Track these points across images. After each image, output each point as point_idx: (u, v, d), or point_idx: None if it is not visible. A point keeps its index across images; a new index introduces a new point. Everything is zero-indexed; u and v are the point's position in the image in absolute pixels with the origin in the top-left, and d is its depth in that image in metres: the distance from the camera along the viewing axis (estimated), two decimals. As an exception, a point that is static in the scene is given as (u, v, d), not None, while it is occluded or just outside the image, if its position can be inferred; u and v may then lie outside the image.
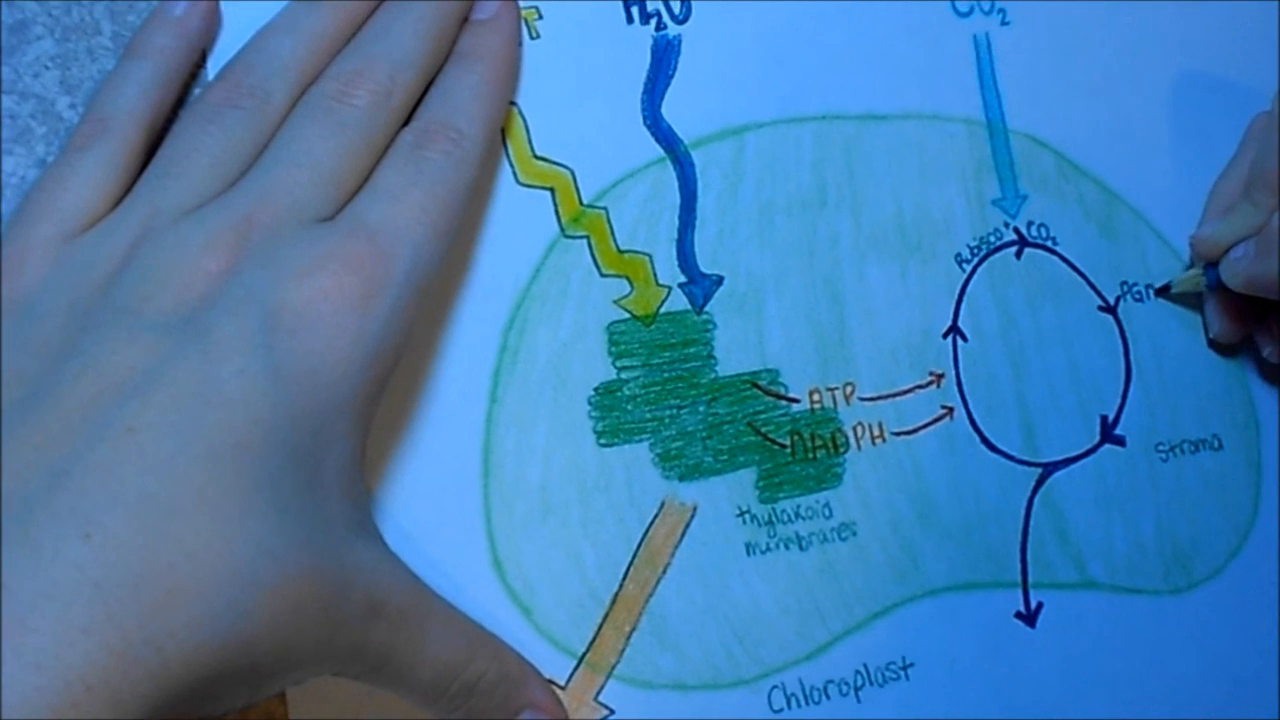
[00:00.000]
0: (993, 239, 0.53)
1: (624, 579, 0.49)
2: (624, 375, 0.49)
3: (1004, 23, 0.54)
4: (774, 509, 0.50)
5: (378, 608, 0.41)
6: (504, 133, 0.48)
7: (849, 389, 0.51)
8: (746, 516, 0.50)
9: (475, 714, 0.45)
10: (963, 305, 0.53)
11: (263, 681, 0.40)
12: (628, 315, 0.49)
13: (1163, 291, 0.55)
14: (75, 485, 0.36)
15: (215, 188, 0.42)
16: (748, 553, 0.50)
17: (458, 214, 0.44)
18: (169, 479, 0.37)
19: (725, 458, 0.50)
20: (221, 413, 0.38)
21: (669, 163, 0.50)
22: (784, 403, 0.51)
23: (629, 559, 0.49)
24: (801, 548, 0.50)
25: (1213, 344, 0.55)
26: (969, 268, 0.53)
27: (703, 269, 0.50)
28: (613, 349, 0.49)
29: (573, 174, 0.49)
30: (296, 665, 0.40)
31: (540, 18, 0.49)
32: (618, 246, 0.49)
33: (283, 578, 0.38)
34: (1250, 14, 0.57)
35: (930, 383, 0.52)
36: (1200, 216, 0.55)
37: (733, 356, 0.50)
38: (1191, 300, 0.55)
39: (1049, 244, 0.54)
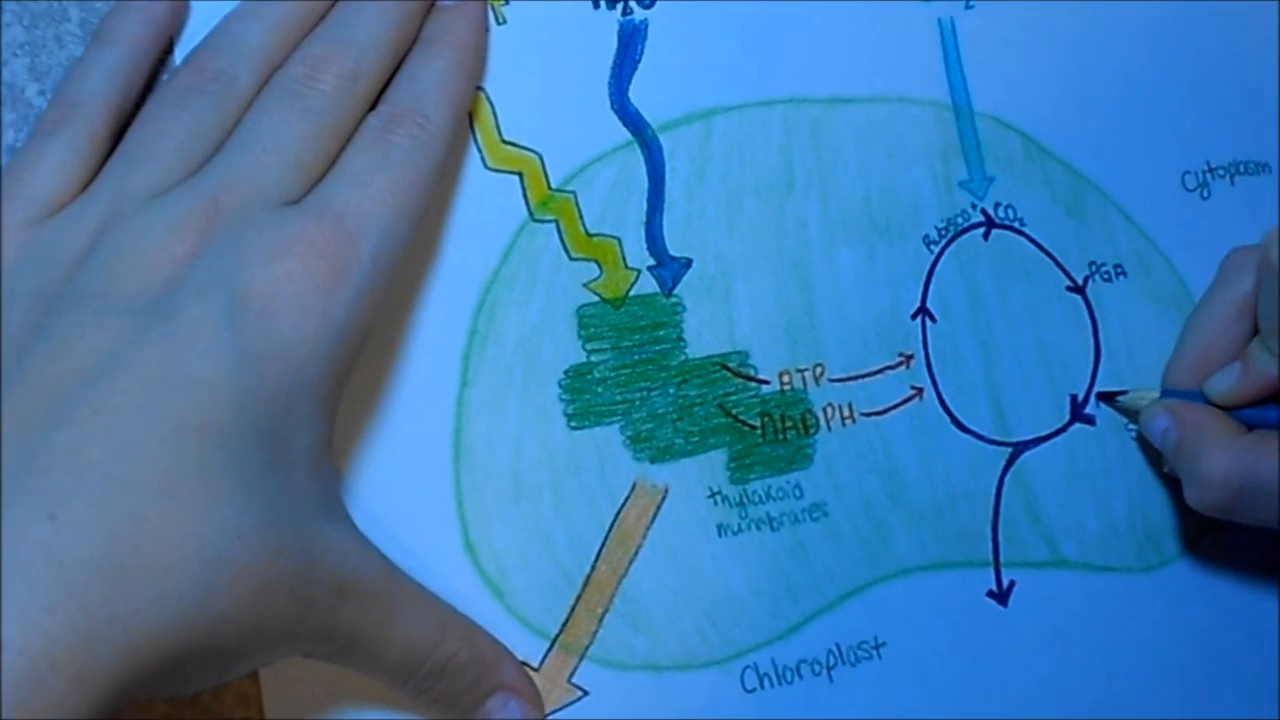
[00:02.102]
0: (960, 220, 0.54)
1: (596, 561, 0.49)
2: (594, 358, 0.49)
3: (968, 6, 0.54)
4: (745, 490, 0.50)
5: (346, 588, 0.41)
6: (471, 117, 0.49)
7: (819, 370, 0.51)
8: (718, 498, 0.50)
9: (447, 695, 0.45)
10: (931, 286, 0.53)
11: (231, 661, 0.40)
12: (597, 298, 0.50)
13: (1106, 398, 0.55)
14: (41, 466, 0.36)
15: (182, 172, 0.43)
16: (719, 534, 0.50)
17: (424, 198, 0.44)
18: (135, 460, 0.37)
19: (696, 439, 0.50)
20: (187, 395, 0.38)
21: (637, 146, 0.50)
22: (754, 384, 0.51)
23: (601, 541, 0.49)
24: (773, 528, 0.51)
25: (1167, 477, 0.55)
26: (937, 249, 0.53)
27: (671, 252, 0.50)
28: (582, 332, 0.49)
29: (541, 158, 0.49)
30: (265, 646, 0.40)
31: (506, 3, 0.49)
32: (586, 230, 0.50)
33: (249, 558, 0.38)
34: (1215, -5, 0.58)
35: (899, 363, 0.52)
36: (1178, 350, 0.55)
37: (702, 339, 0.51)
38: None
39: (1016, 225, 0.54)
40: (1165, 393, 0.54)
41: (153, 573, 0.36)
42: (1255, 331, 0.51)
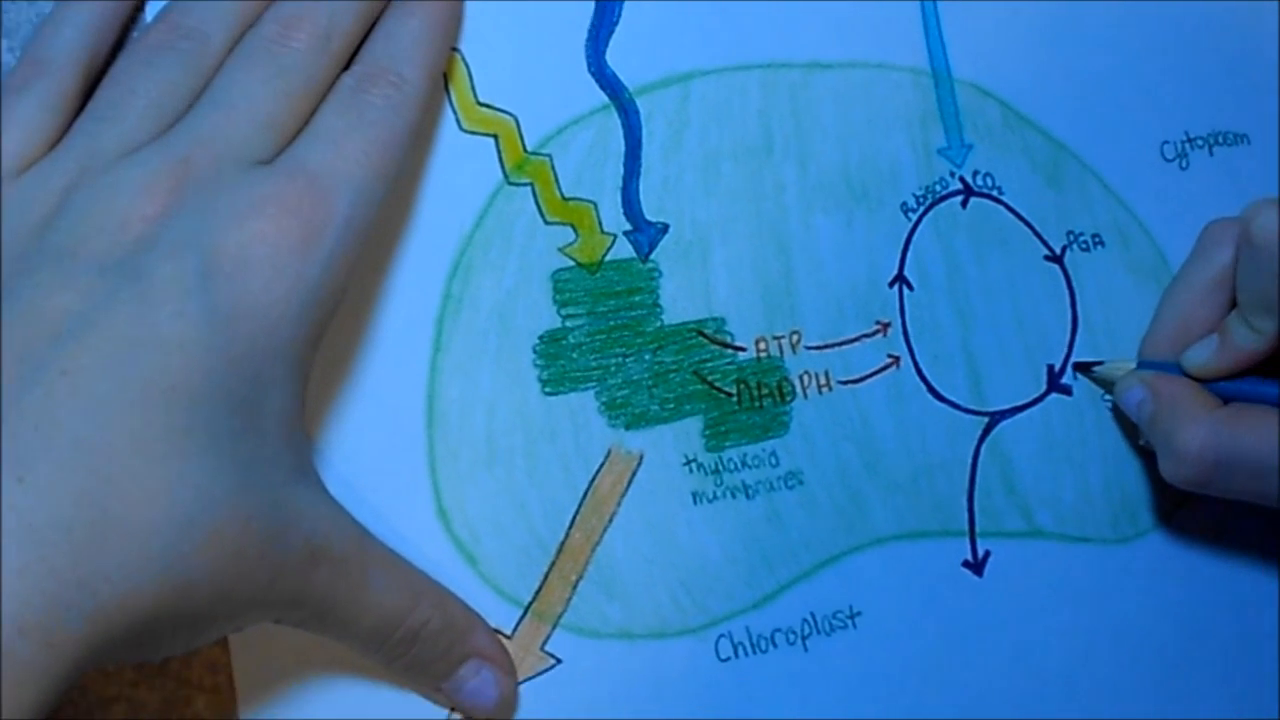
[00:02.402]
0: (938, 188, 0.53)
1: (570, 528, 0.49)
2: (569, 323, 0.49)
3: (948, -28, 0.54)
4: (720, 458, 0.50)
5: (318, 553, 0.41)
6: (447, 79, 0.48)
7: (795, 337, 0.51)
8: (693, 465, 0.50)
9: (419, 662, 0.45)
10: (909, 254, 0.53)
11: (201, 627, 0.40)
12: (572, 263, 0.49)
13: (1083, 368, 0.55)
14: (8, 429, 0.36)
15: (152, 130, 0.42)
16: (694, 501, 0.50)
17: (398, 158, 0.44)
18: (104, 422, 0.36)
19: (671, 406, 0.50)
20: (157, 356, 0.38)
21: (613, 110, 0.50)
22: (730, 351, 0.51)
23: (575, 508, 0.49)
24: (748, 496, 0.50)
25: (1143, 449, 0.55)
26: (915, 217, 0.53)
27: (648, 217, 0.50)
28: (557, 297, 0.49)
29: (516, 121, 0.49)
30: (236, 611, 0.40)
31: (483, -36, 0.49)
32: (562, 194, 0.49)
33: (219, 521, 0.38)
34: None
35: (876, 331, 0.52)
36: (1155, 322, 0.54)
37: (678, 305, 0.50)
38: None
39: (995, 193, 0.54)
40: (1141, 364, 0.53)
41: (121, 536, 0.36)
42: (1233, 304, 0.51)
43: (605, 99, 0.50)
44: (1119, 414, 0.54)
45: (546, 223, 0.49)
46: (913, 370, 0.52)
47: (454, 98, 0.48)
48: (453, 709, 0.47)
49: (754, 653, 0.50)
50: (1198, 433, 0.48)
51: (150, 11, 0.46)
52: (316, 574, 0.41)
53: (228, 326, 0.39)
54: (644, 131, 0.50)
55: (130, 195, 0.40)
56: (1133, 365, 0.53)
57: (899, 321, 0.52)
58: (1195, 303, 0.52)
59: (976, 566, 0.53)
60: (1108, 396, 0.54)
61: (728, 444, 0.50)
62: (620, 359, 0.49)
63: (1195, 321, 0.52)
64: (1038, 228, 0.54)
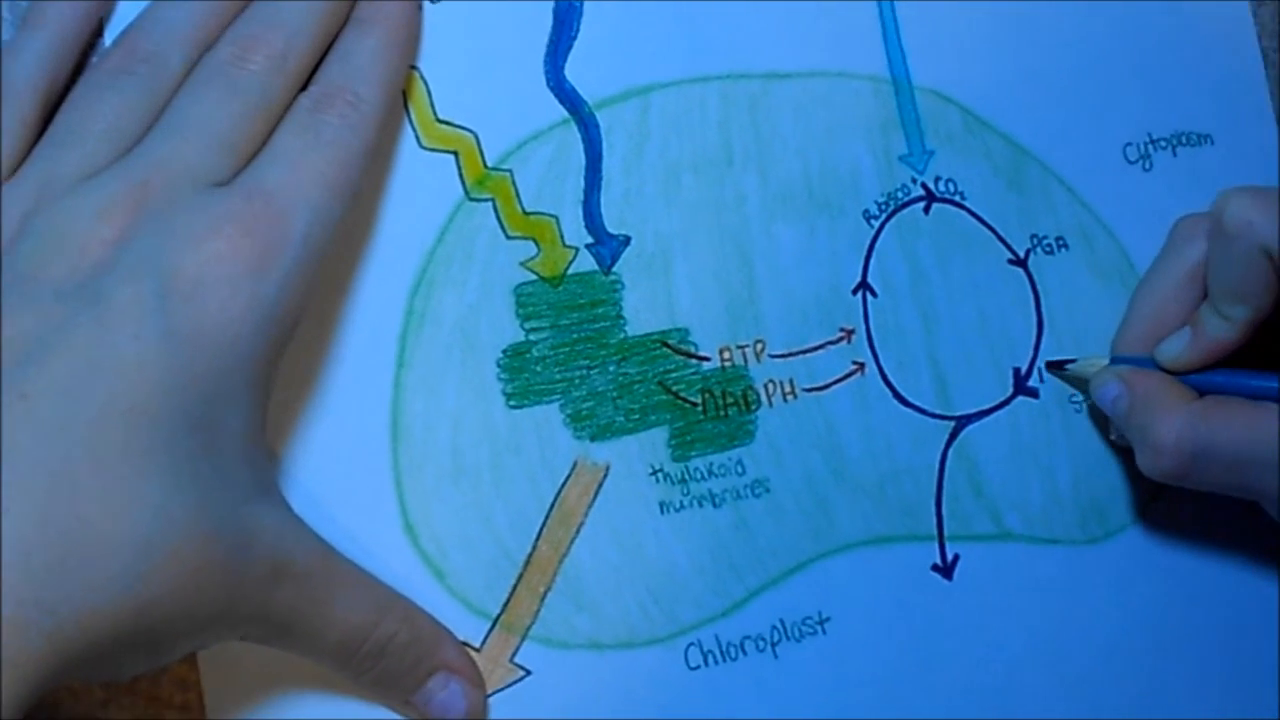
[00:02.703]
0: (901, 195, 0.54)
1: (537, 540, 0.49)
2: (532, 337, 0.49)
3: (906, -21, 0.54)
4: (687, 467, 0.50)
5: (281, 570, 0.41)
6: (406, 97, 0.48)
7: (759, 346, 0.51)
8: (659, 475, 0.50)
9: (388, 676, 0.45)
10: (872, 261, 0.53)
11: (165, 645, 0.40)
12: (535, 277, 0.49)
13: (1055, 367, 0.55)
14: (-31, 452, 0.36)
15: (111, 155, 0.42)
16: (661, 511, 0.50)
17: (356, 177, 0.44)
18: (63, 445, 0.37)
19: (637, 417, 0.50)
20: (116, 378, 0.38)
21: (573, 124, 0.50)
22: (694, 361, 0.51)
23: (542, 520, 0.49)
24: (715, 505, 0.51)
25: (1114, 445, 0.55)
26: (877, 224, 0.53)
27: (610, 229, 0.50)
28: (520, 311, 0.49)
29: (476, 137, 0.49)
30: (198, 628, 0.40)
31: (440, -19, 0.49)
32: (523, 208, 0.49)
33: (180, 541, 0.38)
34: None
35: (840, 339, 0.52)
36: (1127, 318, 0.54)
37: (642, 316, 0.50)
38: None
39: (957, 198, 0.54)
40: (1115, 359, 0.54)
41: (82, 558, 0.36)
42: (1205, 299, 0.51)
43: (565, 113, 0.50)
44: (1093, 412, 0.55)
45: (508, 237, 0.49)
46: (878, 376, 0.53)
47: (413, 115, 0.49)
48: (422, 722, 0.47)
49: (724, 660, 0.50)
50: (1174, 425, 0.48)
51: (109, 36, 0.46)
52: (280, 590, 0.42)
53: (186, 347, 0.39)
54: (604, 145, 0.51)
55: (88, 220, 0.40)
56: (1105, 361, 0.54)
57: (863, 328, 0.53)
58: (1168, 298, 0.53)
59: (946, 570, 0.53)
60: (1076, 397, 0.55)
61: (694, 454, 0.51)
62: (584, 371, 0.50)
63: (1168, 317, 0.52)
64: (1001, 232, 0.55)
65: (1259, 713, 0.55)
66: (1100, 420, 0.54)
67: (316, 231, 0.42)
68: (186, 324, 0.39)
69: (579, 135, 0.50)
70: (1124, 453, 0.55)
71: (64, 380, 0.38)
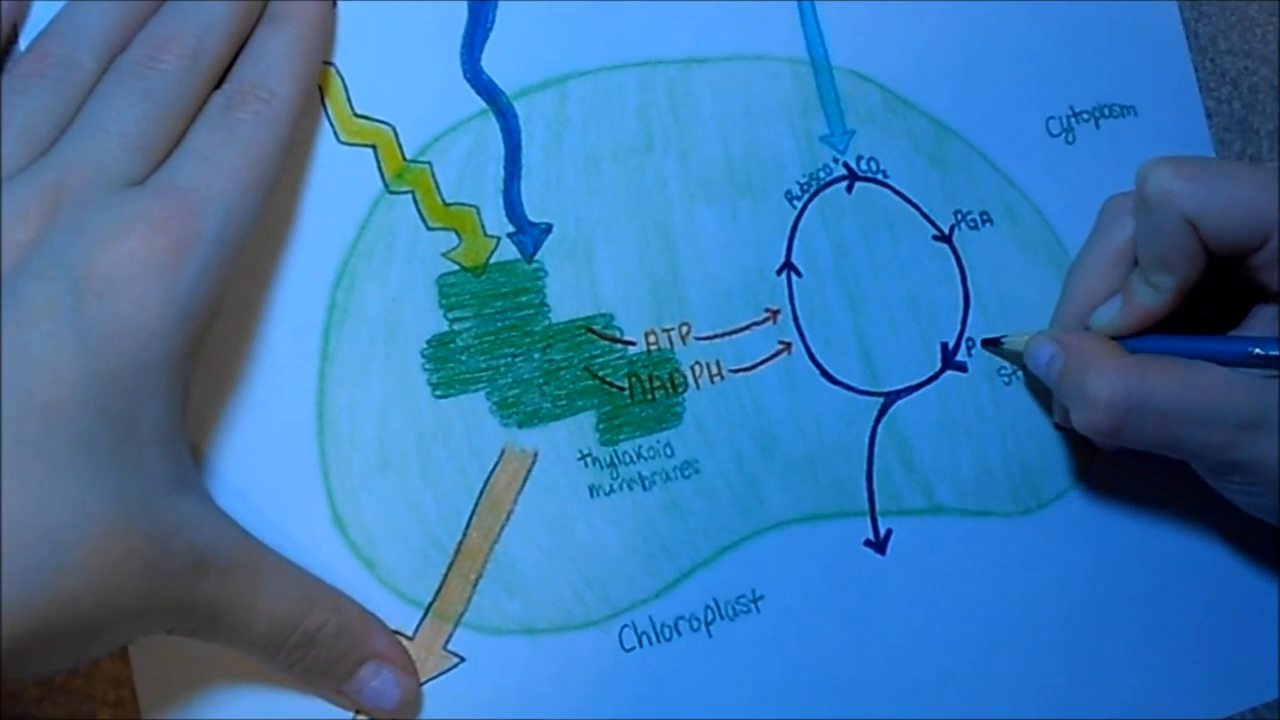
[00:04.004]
0: (823, 175, 0.54)
1: (467, 528, 0.49)
2: (456, 326, 0.50)
3: (822, -39, 0.55)
4: (615, 451, 0.51)
5: (203, 562, 0.42)
6: (323, 92, 0.49)
7: (685, 329, 0.52)
8: (588, 459, 0.51)
9: (318, 666, 0.46)
10: (795, 241, 0.53)
11: (89, 640, 0.40)
12: (457, 267, 0.50)
13: (990, 344, 0.55)
14: (-116, 452, 0.36)
15: (25, 158, 0.43)
16: (591, 495, 0.50)
17: (270, 173, 0.44)
18: (-22, 442, 0.37)
19: (564, 403, 0.51)
20: (30, 376, 0.38)
21: (492, 115, 0.51)
22: (620, 346, 0.51)
23: (471, 508, 0.49)
24: (645, 487, 0.51)
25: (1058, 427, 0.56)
26: (800, 204, 0.54)
27: (531, 218, 0.51)
28: (443, 301, 0.50)
29: (394, 130, 0.50)
30: (122, 622, 0.40)
31: (353, -24, 0.49)
32: (443, 200, 0.50)
33: (99, 534, 0.38)
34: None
35: (766, 319, 0.53)
36: (1062, 299, 0.55)
37: (566, 303, 0.51)
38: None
39: (879, 177, 0.55)
40: None
41: (1, 553, 0.36)
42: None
43: (483, 104, 0.51)
44: (1036, 393, 0.55)
45: (429, 229, 0.50)
46: (805, 355, 0.53)
47: (330, 110, 0.49)
48: (357, 711, 0.48)
49: (658, 641, 0.51)
50: (1109, 379, 0.49)
51: (24, 42, 0.47)
52: (203, 582, 0.42)
53: (101, 344, 0.40)
54: (523, 134, 0.51)
55: (3, 223, 0.41)
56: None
57: (789, 308, 0.53)
58: (1100, 277, 0.53)
59: (879, 545, 0.53)
60: (1005, 370, 0.55)
61: (622, 437, 0.51)
62: (510, 359, 0.50)
63: (1101, 295, 0.53)
64: (924, 208, 0.55)
65: (1198, 675, 0.56)
66: (1044, 400, 0.55)
67: (231, 228, 0.43)
68: (101, 322, 0.40)
69: (497, 125, 0.51)
70: (1055, 428, 0.55)
71: (-22, 380, 0.38)
